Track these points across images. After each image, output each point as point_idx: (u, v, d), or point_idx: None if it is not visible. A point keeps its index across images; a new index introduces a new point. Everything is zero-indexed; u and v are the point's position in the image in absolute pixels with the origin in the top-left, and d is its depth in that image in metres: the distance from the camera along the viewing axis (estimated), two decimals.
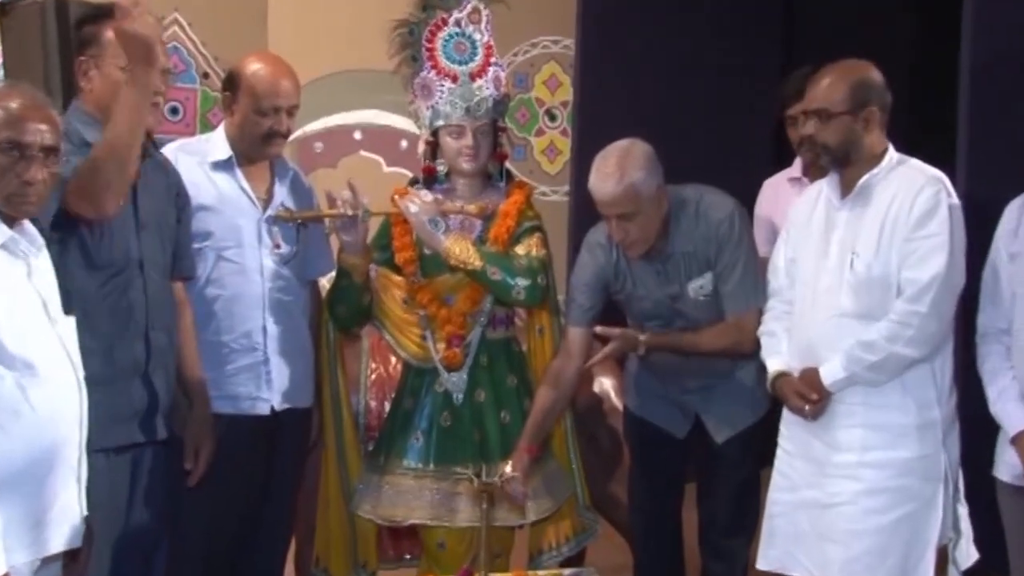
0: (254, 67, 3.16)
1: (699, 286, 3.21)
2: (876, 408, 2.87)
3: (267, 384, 3.17)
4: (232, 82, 3.19)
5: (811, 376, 2.91)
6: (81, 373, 2.43)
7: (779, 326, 3.06)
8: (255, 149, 3.17)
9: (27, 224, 2.41)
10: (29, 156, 2.34)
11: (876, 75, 2.91)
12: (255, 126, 3.13)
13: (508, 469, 3.05)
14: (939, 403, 2.89)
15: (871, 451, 2.87)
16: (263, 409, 3.17)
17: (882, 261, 2.83)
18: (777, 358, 3.03)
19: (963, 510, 2.93)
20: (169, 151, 3.12)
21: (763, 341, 3.10)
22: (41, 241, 2.44)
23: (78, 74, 2.79)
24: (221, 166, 3.17)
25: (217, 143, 3.20)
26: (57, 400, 2.36)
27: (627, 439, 3.64)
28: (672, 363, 3.32)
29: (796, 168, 3.85)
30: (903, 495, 2.85)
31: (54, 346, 2.38)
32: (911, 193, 2.82)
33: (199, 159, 3.16)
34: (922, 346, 2.82)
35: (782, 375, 2.99)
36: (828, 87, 2.89)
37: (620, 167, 3.07)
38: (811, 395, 2.90)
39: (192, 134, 4.47)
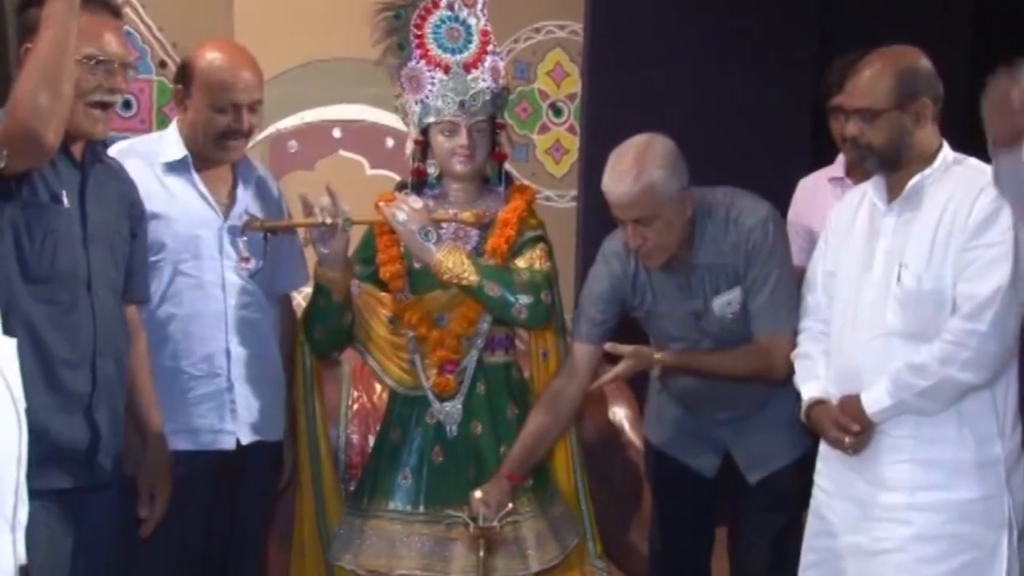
0: (209, 57, 3.17)
1: (726, 302, 3.20)
2: (928, 442, 2.86)
3: (232, 415, 3.17)
4: (185, 74, 3.20)
5: (852, 404, 2.91)
6: (21, 405, 2.42)
7: (816, 348, 3.05)
8: (211, 150, 3.17)
9: None
10: None
11: (924, 61, 2.90)
12: (211, 124, 3.14)
13: (478, 495, 3.05)
14: (1001, 436, 2.87)
15: (922, 491, 2.85)
16: (227, 443, 3.16)
17: (934, 273, 2.81)
18: (813, 383, 3.02)
19: None
20: (115, 152, 3.10)
21: (797, 365, 3.09)
22: None
23: (22, 63, 2.79)
24: (175, 168, 3.17)
25: (169, 142, 3.21)
26: None
27: (647, 477, 3.64)
28: (698, 390, 3.32)
29: (838, 167, 3.83)
30: (961, 543, 2.83)
31: None
32: (969, 196, 2.80)
33: (148, 161, 3.16)
34: (981, 370, 2.80)
35: (818, 403, 2.98)
36: (870, 81, 2.88)
37: (638, 164, 3.07)
38: (852, 426, 2.89)
39: (148, 131, 4.46)
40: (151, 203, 3.06)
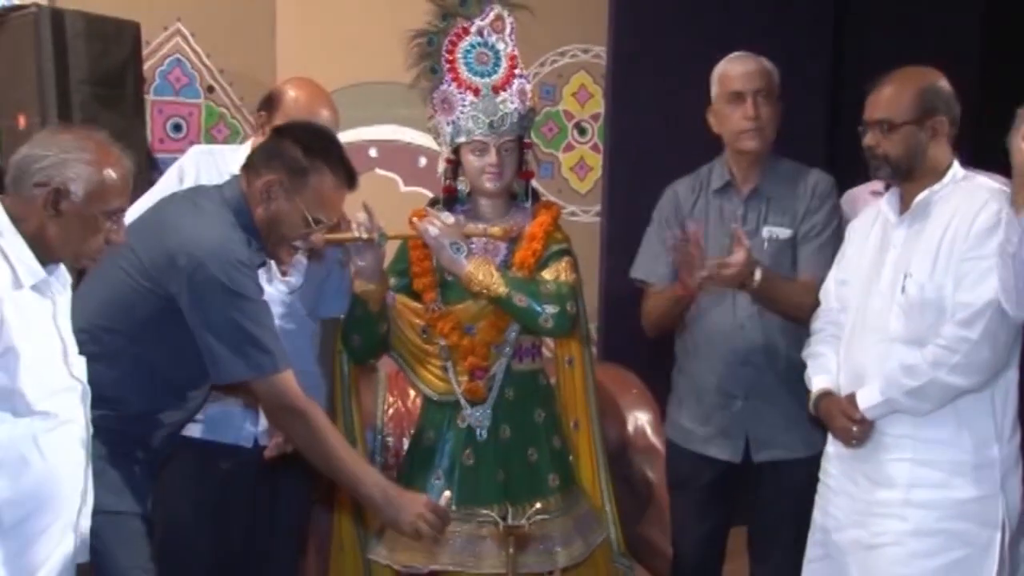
0: (293, 95, 3.25)
1: (774, 235, 3.36)
2: (926, 442, 2.89)
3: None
4: (270, 104, 3.26)
5: (848, 401, 2.96)
6: (88, 421, 2.50)
7: (828, 348, 3.09)
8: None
9: (60, 264, 2.49)
10: (119, 220, 2.49)
11: (944, 83, 2.95)
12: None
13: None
14: (999, 439, 2.88)
15: (919, 489, 2.88)
16: (247, 441, 3.24)
17: (937, 283, 2.84)
18: (823, 376, 3.07)
19: None
20: (201, 152, 3.26)
21: (809, 362, 3.13)
22: (69, 280, 2.51)
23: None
24: None
25: (240, 160, 3.13)
26: (67, 447, 2.42)
27: (668, 475, 3.68)
28: (726, 346, 3.42)
29: (879, 182, 3.87)
30: (954, 539, 2.85)
31: (69, 392, 2.44)
32: (972, 209, 2.83)
33: (219, 171, 3.14)
34: (971, 375, 2.81)
35: (827, 394, 3.03)
36: (891, 95, 2.93)
37: (754, 55, 3.39)
38: (854, 414, 2.93)
39: None
40: None
